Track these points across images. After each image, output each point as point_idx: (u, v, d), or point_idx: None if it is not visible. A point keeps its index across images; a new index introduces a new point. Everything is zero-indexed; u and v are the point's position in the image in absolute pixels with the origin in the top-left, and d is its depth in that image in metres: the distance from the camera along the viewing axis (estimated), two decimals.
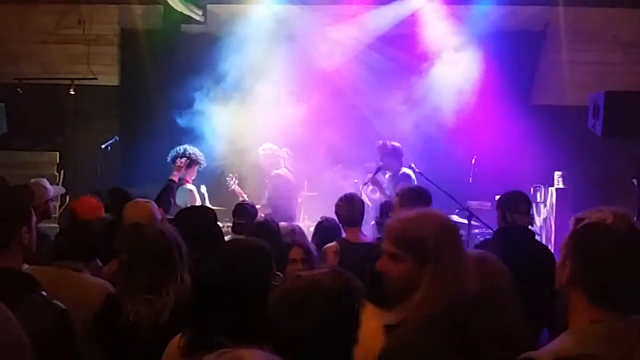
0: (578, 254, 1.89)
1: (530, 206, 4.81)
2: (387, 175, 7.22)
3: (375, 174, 7.00)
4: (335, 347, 1.90)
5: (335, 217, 5.03)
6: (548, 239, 7.51)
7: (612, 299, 1.85)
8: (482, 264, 2.95)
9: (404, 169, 7.02)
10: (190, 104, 7.98)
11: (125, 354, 2.83)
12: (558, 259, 2.00)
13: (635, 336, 1.81)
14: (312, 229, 6.69)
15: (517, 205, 4.75)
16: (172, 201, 5.88)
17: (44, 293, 2.43)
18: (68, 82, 8.57)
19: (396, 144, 7.15)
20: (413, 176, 6.94)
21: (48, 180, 5.21)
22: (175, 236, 3.02)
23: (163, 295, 2.81)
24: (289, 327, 1.87)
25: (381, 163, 7.08)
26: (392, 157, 7.06)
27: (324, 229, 5.18)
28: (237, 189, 7.43)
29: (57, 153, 8.55)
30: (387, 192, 6.82)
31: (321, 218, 5.34)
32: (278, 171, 7.23)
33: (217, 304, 2.25)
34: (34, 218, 2.47)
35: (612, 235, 1.83)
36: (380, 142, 7.17)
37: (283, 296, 1.94)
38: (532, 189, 7.89)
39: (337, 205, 4.97)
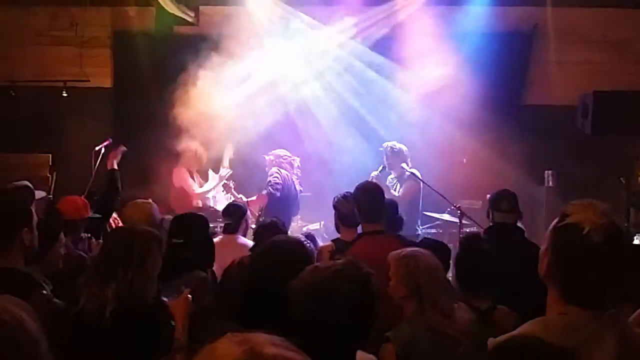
0: (555, 250, 1.98)
1: (512, 204, 4.89)
2: (390, 176, 7.31)
3: (380, 171, 7.11)
4: (359, 332, 2.00)
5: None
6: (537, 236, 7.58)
7: (582, 297, 1.93)
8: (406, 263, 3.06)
9: (412, 169, 7.14)
10: (183, 104, 8.00)
11: (70, 347, 2.83)
12: (541, 250, 2.08)
13: (593, 330, 1.88)
14: (305, 229, 6.77)
15: (498, 204, 4.87)
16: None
17: (44, 292, 2.48)
18: (61, 84, 8.57)
19: (402, 146, 7.28)
20: (419, 175, 7.06)
21: (34, 183, 5.26)
22: (143, 240, 3.02)
23: (105, 292, 2.83)
24: (317, 317, 1.95)
25: (386, 163, 7.23)
26: (396, 158, 7.20)
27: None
28: (234, 193, 7.50)
29: (50, 155, 8.54)
30: (392, 192, 6.94)
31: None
32: (280, 170, 7.29)
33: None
34: (35, 218, 2.51)
35: (586, 244, 1.89)
36: (386, 144, 7.33)
37: (309, 288, 2.00)
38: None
39: (339, 202, 4.79)
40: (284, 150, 7.47)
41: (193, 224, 4.06)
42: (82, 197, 5.21)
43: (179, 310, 2.98)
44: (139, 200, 4.71)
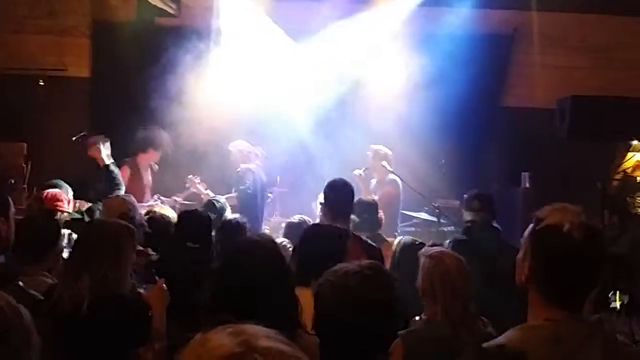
0: (535, 254, 1.97)
1: (483, 203, 4.98)
2: (373, 180, 7.29)
3: (364, 171, 7.06)
4: (382, 336, 2.09)
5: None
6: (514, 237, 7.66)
7: (565, 299, 1.93)
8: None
9: (392, 175, 7.13)
10: (162, 96, 7.95)
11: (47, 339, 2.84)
12: (518, 256, 2.07)
13: (581, 338, 1.88)
14: (283, 224, 6.75)
15: (470, 203, 4.98)
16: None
17: (20, 284, 2.45)
18: (38, 72, 8.46)
19: (388, 150, 7.27)
20: (399, 182, 7.05)
21: (9, 172, 5.21)
22: (115, 233, 3.05)
23: (80, 285, 2.85)
24: (344, 321, 2.02)
25: (370, 165, 7.18)
26: (381, 161, 7.16)
27: (294, 227, 5.31)
28: (199, 188, 7.35)
29: (25, 144, 8.42)
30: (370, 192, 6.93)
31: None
32: (249, 166, 7.25)
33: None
34: (12, 209, 2.47)
35: (568, 241, 1.89)
36: (372, 146, 7.29)
37: (339, 293, 2.06)
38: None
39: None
40: (243, 142, 7.40)
41: (205, 225, 4.16)
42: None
43: (156, 301, 2.99)
44: (119, 194, 4.73)
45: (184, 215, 4.53)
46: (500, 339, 1.97)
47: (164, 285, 3.12)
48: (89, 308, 2.78)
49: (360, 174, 6.92)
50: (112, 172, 5.64)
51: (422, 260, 3.19)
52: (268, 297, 2.44)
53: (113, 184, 5.57)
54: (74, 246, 3.14)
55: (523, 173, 8.10)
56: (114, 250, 2.96)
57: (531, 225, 2.02)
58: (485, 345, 1.95)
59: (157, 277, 3.36)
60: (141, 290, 3.20)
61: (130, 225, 3.18)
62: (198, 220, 4.30)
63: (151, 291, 3.11)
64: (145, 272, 3.80)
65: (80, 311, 2.78)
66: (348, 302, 2.03)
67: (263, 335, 1.05)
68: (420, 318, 3.14)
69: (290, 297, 2.53)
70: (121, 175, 6.25)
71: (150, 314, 2.96)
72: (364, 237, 4.28)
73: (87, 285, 2.82)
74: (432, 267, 3.11)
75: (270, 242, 2.80)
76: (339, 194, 4.28)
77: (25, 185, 7.29)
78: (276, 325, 1.11)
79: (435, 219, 6.96)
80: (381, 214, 5.64)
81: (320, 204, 4.60)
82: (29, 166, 8.01)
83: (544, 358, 1.85)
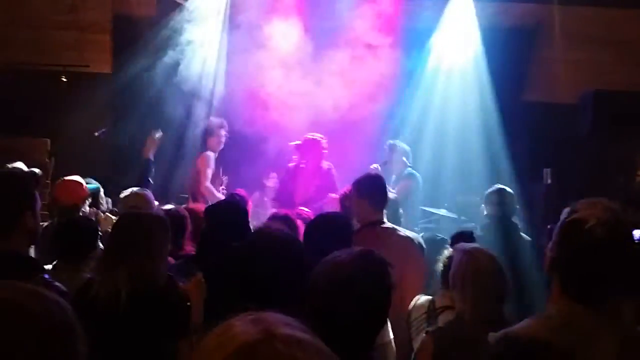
0: (560, 244, 1.98)
1: (502, 197, 5.01)
2: (393, 176, 7.29)
3: (382, 165, 7.05)
4: (374, 324, 2.12)
5: None
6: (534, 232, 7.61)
7: (582, 293, 1.93)
8: None
9: (410, 169, 7.12)
10: (182, 91, 7.99)
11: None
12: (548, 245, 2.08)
13: (592, 327, 1.88)
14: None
15: (490, 196, 5.00)
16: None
17: (46, 276, 2.48)
18: (60, 68, 8.53)
19: (406, 145, 7.25)
20: (418, 176, 7.05)
21: (32, 168, 5.27)
22: (149, 224, 3.05)
23: (117, 278, 2.86)
24: (337, 310, 2.01)
25: (388, 159, 7.19)
26: (400, 155, 7.17)
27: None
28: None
29: (48, 140, 8.50)
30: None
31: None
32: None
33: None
34: (39, 203, 2.50)
35: (591, 238, 1.88)
36: (391, 141, 7.29)
37: (331, 282, 2.05)
38: None
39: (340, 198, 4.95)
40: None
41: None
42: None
43: (194, 293, 3.01)
44: (136, 189, 4.77)
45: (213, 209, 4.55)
46: (512, 328, 1.98)
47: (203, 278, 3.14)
48: (127, 300, 2.79)
49: (377, 168, 6.91)
50: (151, 167, 5.67)
51: (456, 254, 3.13)
52: (289, 287, 2.44)
53: (144, 178, 5.59)
54: (108, 239, 3.16)
55: (545, 169, 8.03)
56: (149, 241, 2.97)
57: (562, 217, 2.02)
58: (492, 335, 1.95)
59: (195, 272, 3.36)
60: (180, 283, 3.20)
61: (163, 217, 3.20)
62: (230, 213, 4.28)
63: (189, 284, 3.12)
64: (185, 265, 3.81)
65: (118, 304, 2.79)
66: (335, 291, 2.01)
67: (284, 323, 1.06)
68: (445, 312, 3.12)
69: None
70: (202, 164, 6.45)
71: (188, 306, 2.96)
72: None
73: (125, 277, 2.83)
74: (465, 264, 3.01)
75: (289, 234, 2.80)
76: (379, 187, 4.32)
77: (48, 181, 7.34)
78: (297, 316, 1.12)
79: (455, 216, 6.92)
80: (401, 210, 5.62)
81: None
82: (53, 162, 8.09)
83: (555, 346, 1.85)
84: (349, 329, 2.00)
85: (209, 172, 7.06)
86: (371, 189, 4.29)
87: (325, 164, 6.93)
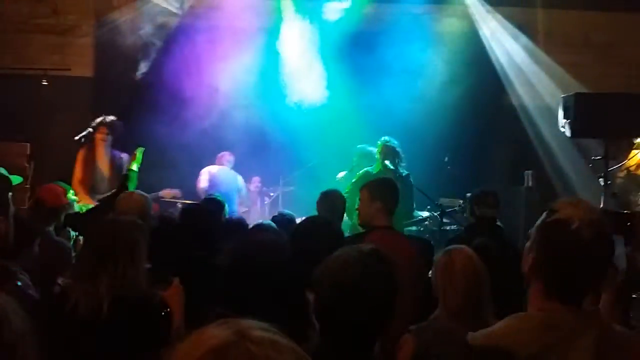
0: (542, 246, 1.96)
1: (496, 200, 4.98)
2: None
3: (349, 172, 7.21)
4: (380, 325, 2.09)
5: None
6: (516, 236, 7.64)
7: (564, 292, 1.93)
8: None
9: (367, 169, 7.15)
10: (164, 96, 7.96)
11: (64, 343, 2.81)
12: (526, 245, 2.06)
13: (572, 327, 1.88)
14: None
15: (485, 198, 4.96)
16: None
17: (19, 283, 2.45)
18: (41, 72, 8.47)
19: (372, 149, 7.30)
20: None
21: (12, 172, 5.20)
22: (129, 231, 3.01)
23: (97, 286, 2.81)
24: (341, 310, 2.02)
25: (355, 164, 7.32)
26: (366, 160, 7.26)
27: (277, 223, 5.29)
28: (166, 192, 7.48)
29: (28, 144, 8.42)
30: None
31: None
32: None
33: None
34: (12, 208, 2.47)
35: (574, 238, 1.88)
36: (360, 146, 7.44)
37: (336, 282, 2.04)
38: None
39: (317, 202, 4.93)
40: None
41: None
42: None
43: (174, 300, 2.97)
44: (135, 192, 4.72)
45: (187, 212, 4.53)
46: (493, 327, 1.99)
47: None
48: (109, 309, 2.75)
49: (342, 177, 7.16)
50: (132, 178, 5.56)
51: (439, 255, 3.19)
52: (279, 298, 2.43)
53: (123, 186, 5.47)
54: (85, 246, 3.08)
55: (526, 171, 8.06)
56: (130, 248, 2.92)
57: (543, 216, 2.01)
58: (471, 334, 1.95)
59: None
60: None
61: (141, 222, 3.17)
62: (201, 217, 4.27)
63: (169, 290, 3.08)
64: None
65: (100, 313, 2.74)
66: (347, 292, 2.01)
67: (258, 327, 1.08)
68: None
69: (300, 298, 2.50)
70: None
71: (169, 312, 2.93)
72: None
73: (106, 285, 2.78)
74: (438, 264, 3.09)
75: (277, 242, 2.78)
76: (394, 193, 4.28)
77: (28, 185, 7.28)
78: (286, 326, 1.13)
79: (438, 218, 6.93)
80: None
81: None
82: (32, 166, 8.01)
83: (535, 345, 1.86)
84: (354, 329, 2.01)
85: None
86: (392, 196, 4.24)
87: None
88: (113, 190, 5.43)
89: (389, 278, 2.09)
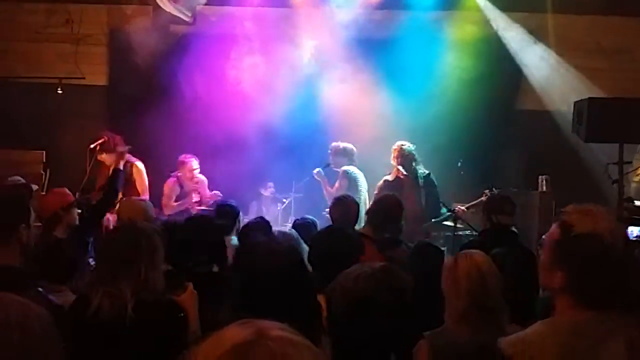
0: (572, 263, 1.94)
1: (514, 208, 4.94)
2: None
3: (323, 168, 7.49)
4: (394, 338, 2.11)
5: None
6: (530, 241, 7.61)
7: (599, 303, 1.93)
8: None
9: (345, 167, 7.39)
10: (177, 103, 8.02)
11: (87, 346, 2.83)
12: (544, 260, 2.05)
13: (602, 332, 1.89)
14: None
15: (502, 207, 4.91)
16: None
17: (40, 289, 2.48)
18: (56, 81, 8.55)
19: (348, 145, 7.51)
20: (352, 173, 7.33)
21: (27, 180, 5.24)
22: (149, 235, 3.03)
23: (121, 289, 2.82)
24: (356, 324, 2.04)
25: (330, 161, 7.54)
26: (341, 156, 7.46)
27: (298, 228, 5.31)
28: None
29: (44, 152, 8.51)
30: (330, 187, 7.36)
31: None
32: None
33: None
34: (33, 216, 2.50)
35: (607, 253, 1.90)
36: (334, 143, 7.60)
37: (351, 296, 2.06)
38: None
39: (329, 208, 5.02)
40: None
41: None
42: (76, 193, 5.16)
43: (190, 304, 3.00)
44: (134, 198, 4.74)
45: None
46: (523, 332, 1.99)
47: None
48: (133, 312, 2.75)
49: (319, 171, 7.40)
50: (116, 178, 5.49)
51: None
52: (290, 303, 2.43)
53: (113, 188, 5.33)
54: (104, 250, 3.07)
55: (540, 176, 8.03)
56: (151, 252, 2.93)
57: (556, 229, 2.00)
58: (500, 340, 1.95)
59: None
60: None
61: (159, 228, 3.20)
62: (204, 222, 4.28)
63: (184, 295, 3.11)
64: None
65: (125, 316, 2.75)
66: (360, 306, 2.03)
67: (276, 327, 1.12)
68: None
69: (312, 303, 2.50)
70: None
71: (186, 316, 2.96)
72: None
73: (130, 289, 2.79)
74: (446, 269, 3.06)
75: (291, 247, 2.79)
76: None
77: (43, 193, 7.34)
78: (298, 330, 1.15)
79: (452, 223, 6.92)
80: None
81: None
82: (47, 174, 8.09)
83: (564, 350, 1.86)
84: (366, 343, 2.02)
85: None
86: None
87: None
88: (105, 192, 5.34)
89: (402, 292, 2.10)
